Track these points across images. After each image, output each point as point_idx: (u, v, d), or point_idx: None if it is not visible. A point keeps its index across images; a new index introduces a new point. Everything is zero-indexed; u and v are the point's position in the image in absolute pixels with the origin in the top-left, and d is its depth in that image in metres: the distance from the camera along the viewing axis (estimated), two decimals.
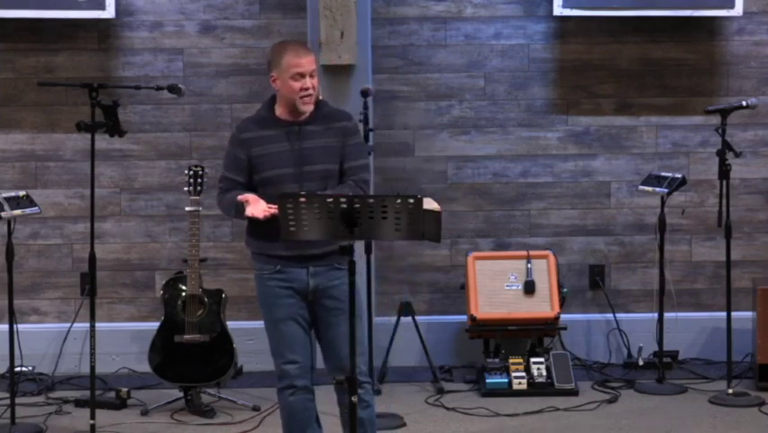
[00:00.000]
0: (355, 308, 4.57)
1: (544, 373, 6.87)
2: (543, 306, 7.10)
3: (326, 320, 4.94)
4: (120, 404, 6.62)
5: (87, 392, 6.09)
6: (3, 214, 6.11)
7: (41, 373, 7.21)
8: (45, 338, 7.33)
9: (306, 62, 4.91)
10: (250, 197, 4.84)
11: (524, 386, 6.81)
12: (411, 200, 4.41)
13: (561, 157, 7.51)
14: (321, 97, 5.09)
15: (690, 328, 7.47)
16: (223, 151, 7.31)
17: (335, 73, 6.96)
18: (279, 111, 4.99)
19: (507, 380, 6.82)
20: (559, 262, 7.26)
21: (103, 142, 6.74)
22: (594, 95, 7.48)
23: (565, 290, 7.19)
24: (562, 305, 7.11)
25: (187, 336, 6.52)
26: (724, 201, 6.60)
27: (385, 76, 7.42)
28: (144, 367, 6.75)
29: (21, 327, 6.75)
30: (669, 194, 6.91)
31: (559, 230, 7.53)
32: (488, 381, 6.82)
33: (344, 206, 4.41)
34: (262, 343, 7.22)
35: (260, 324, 7.33)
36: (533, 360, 6.91)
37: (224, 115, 7.43)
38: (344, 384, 4.64)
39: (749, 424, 6.26)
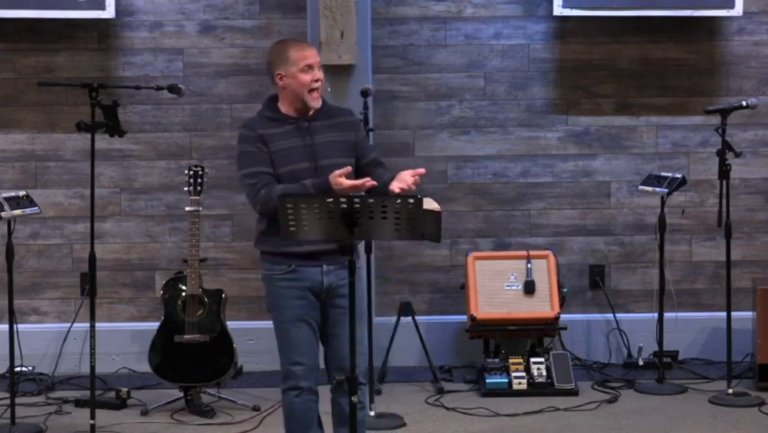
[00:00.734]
0: (355, 307, 4.57)
1: (544, 373, 6.87)
2: (543, 306, 7.10)
3: (335, 319, 4.93)
4: (120, 404, 6.62)
5: (87, 392, 6.09)
6: (3, 214, 6.11)
7: (41, 373, 7.21)
8: (45, 338, 7.33)
9: (312, 54, 4.94)
10: (341, 180, 4.74)
11: (524, 386, 6.81)
12: (411, 200, 4.41)
13: (561, 157, 7.51)
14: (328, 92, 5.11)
15: (690, 328, 7.47)
16: (223, 151, 7.41)
17: (335, 73, 6.95)
18: (285, 109, 4.98)
19: (507, 380, 6.82)
20: (559, 262, 7.26)
21: (103, 142, 6.74)
22: (594, 95, 7.49)
23: (565, 290, 7.19)
24: (562, 305, 7.11)
25: (187, 336, 6.52)
26: (724, 201, 6.60)
27: (385, 76, 7.42)
28: (144, 367, 6.75)
29: (21, 327, 6.75)
30: (669, 194, 6.91)
31: (559, 230, 7.53)
32: (488, 381, 6.82)
33: (344, 206, 4.41)
34: (262, 343, 7.30)
35: (259, 324, 7.40)
36: (533, 360, 6.91)
37: (224, 115, 7.43)
38: (344, 384, 4.64)
39: (749, 424, 6.26)
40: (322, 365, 5.04)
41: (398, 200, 4.43)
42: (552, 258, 7.19)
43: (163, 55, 7.40)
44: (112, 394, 6.71)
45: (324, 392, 5.06)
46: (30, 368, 7.17)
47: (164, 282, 6.72)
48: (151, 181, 7.44)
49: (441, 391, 6.88)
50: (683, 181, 6.94)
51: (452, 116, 7.48)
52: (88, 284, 6.36)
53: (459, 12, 7.44)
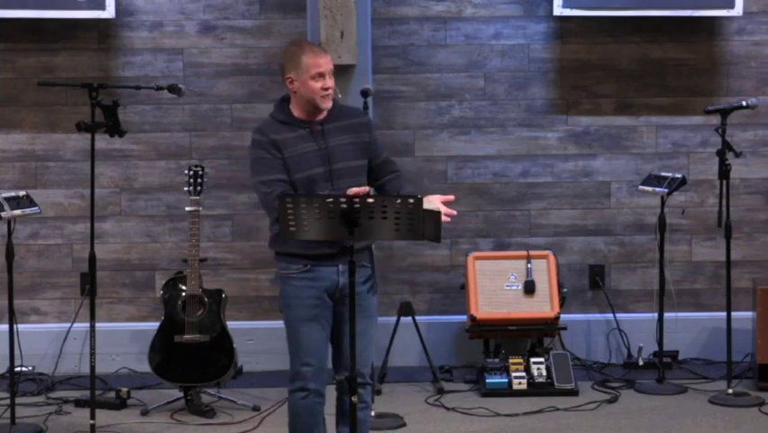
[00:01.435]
0: (355, 307, 4.58)
1: (544, 373, 6.87)
2: (543, 306, 7.10)
3: (347, 317, 4.90)
4: (120, 404, 6.62)
5: (87, 392, 6.09)
6: (3, 214, 6.12)
7: (41, 373, 7.21)
8: (45, 338, 7.33)
9: (325, 62, 4.91)
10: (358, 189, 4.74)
11: (524, 386, 6.81)
12: (411, 200, 4.41)
13: (561, 157, 7.51)
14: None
15: (690, 328, 7.47)
16: (223, 151, 7.42)
17: (335, 73, 6.93)
18: (297, 112, 4.95)
19: (507, 380, 6.82)
20: (559, 262, 7.26)
21: (103, 142, 6.74)
22: (594, 95, 7.49)
23: (565, 290, 7.19)
24: (562, 305, 7.11)
25: (187, 336, 6.52)
26: (724, 201, 6.60)
27: (385, 76, 7.42)
28: (144, 367, 6.75)
29: (21, 327, 6.75)
30: (669, 194, 6.91)
31: (559, 230, 7.53)
32: (488, 381, 6.82)
33: (344, 206, 4.41)
34: (262, 343, 7.30)
35: (259, 324, 7.41)
36: (533, 360, 6.91)
37: (224, 115, 7.43)
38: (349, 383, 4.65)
39: (749, 424, 6.26)
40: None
41: (398, 200, 4.43)
42: (552, 258, 7.19)
43: (163, 55, 7.40)
44: (112, 394, 6.71)
45: (328, 391, 5.05)
46: (30, 368, 7.17)
47: (164, 282, 6.72)
48: (151, 181, 7.44)
49: (441, 391, 6.88)
50: (683, 181, 6.94)
51: (452, 116, 7.48)
52: (88, 284, 6.36)
53: (459, 12, 7.44)
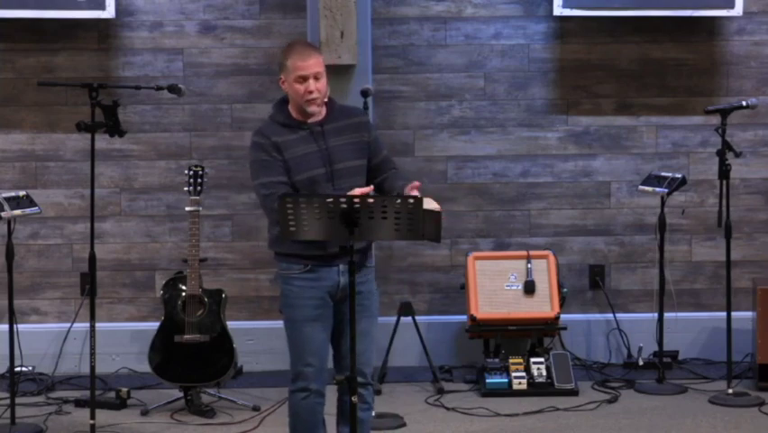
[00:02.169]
0: (355, 307, 4.58)
1: (544, 373, 6.87)
2: (543, 306, 7.10)
3: (348, 318, 4.90)
4: (120, 404, 6.62)
5: (87, 392, 6.09)
6: (3, 214, 6.11)
7: (41, 373, 7.21)
8: (45, 338, 7.33)
9: (310, 65, 4.86)
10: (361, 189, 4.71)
11: (524, 386, 6.81)
12: (411, 200, 4.42)
13: (561, 157, 7.51)
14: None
15: (690, 328, 7.47)
16: (223, 151, 7.42)
17: (335, 73, 6.93)
18: (295, 113, 4.94)
19: (507, 380, 6.82)
20: (559, 262, 7.26)
21: (103, 142, 6.74)
22: (594, 95, 7.49)
23: (565, 290, 7.19)
24: (562, 305, 7.11)
25: (186, 336, 6.52)
26: (724, 201, 6.60)
27: (385, 76, 7.42)
28: (144, 367, 6.75)
29: (21, 327, 6.75)
30: (669, 194, 6.91)
31: (559, 230, 7.53)
32: (488, 381, 6.82)
33: (344, 206, 4.41)
34: (262, 343, 7.30)
35: (259, 324, 7.41)
36: (533, 360, 6.91)
37: (224, 115, 7.43)
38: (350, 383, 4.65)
39: (749, 424, 6.26)
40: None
41: (398, 200, 4.43)
42: (552, 258, 7.19)
43: (163, 55, 7.40)
44: (112, 394, 6.71)
45: (329, 391, 5.05)
46: (30, 368, 7.17)
47: (164, 282, 6.72)
48: (151, 181, 7.44)
49: (441, 391, 6.88)
50: (683, 181, 6.94)
51: (452, 116, 7.48)
52: (88, 284, 6.37)
53: (459, 12, 7.44)
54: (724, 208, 6.61)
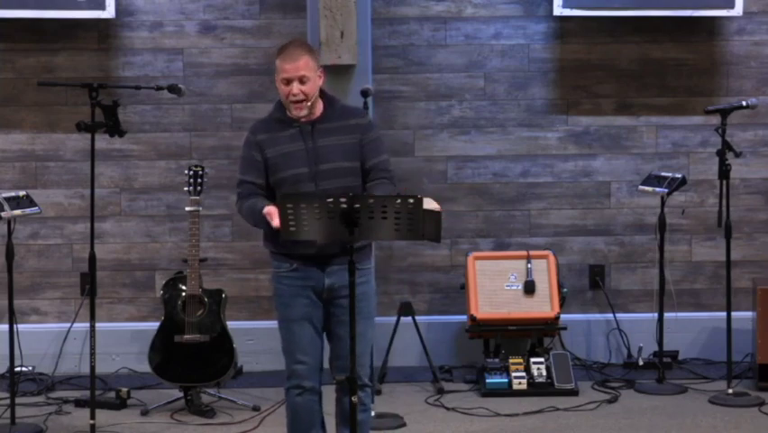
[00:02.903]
0: (355, 306, 4.59)
1: (544, 373, 6.87)
2: (543, 306, 7.10)
3: (338, 319, 4.92)
4: (120, 404, 6.62)
5: (87, 392, 6.09)
6: (3, 214, 6.11)
7: (41, 373, 7.21)
8: (45, 338, 7.33)
9: (292, 68, 4.89)
10: (272, 210, 4.76)
11: (524, 386, 6.81)
12: (411, 200, 4.41)
13: (561, 157, 7.51)
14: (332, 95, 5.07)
15: (690, 328, 7.47)
16: (223, 151, 7.42)
17: (335, 73, 6.95)
18: (289, 111, 4.96)
19: (507, 380, 6.82)
20: (559, 262, 7.26)
21: (103, 142, 6.74)
22: (594, 95, 7.49)
23: (565, 290, 7.19)
24: (562, 305, 7.11)
25: (186, 336, 6.52)
26: (724, 201, 6.60)
27: (385, 76, 7.42)
28: (144, 367, 6.75)
29: (21, 327, 6.75)
30: (669, 194, 6.91)
31: (559, 230, 7.53)
32: (488, 381, 6.82)
33: (344, 206, 4.41)
34: (262, 343, 7.30)
35: (259, 324, 7.41)
36: (533, 360, 6.91)
37: (224, 115, 7.43)
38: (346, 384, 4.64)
39: (749, 424, 6.26)
40: (326, 365, 5.04)
41: (398, 200, 4.43)
42: (552, 258, 7.19)
43: (163, 55, 7.40)
44: (112, 394, 6.71)
45: (329, 392, 5.05)
46: (30, 368, 7.17)
47: (164, 282, 6.72)
48: (151, 181, 7.44)
49: (441, 391, 6.88)
50: (683, 181, 6.94)
51: (452, 116, 7.48)
52: (88, 284, 6.36)
53: (459, 12, 7.44)
54: (724, 208, 6.61)
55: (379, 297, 7.20)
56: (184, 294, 6.56)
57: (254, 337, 7.31)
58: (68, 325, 7.33)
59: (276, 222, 4.69)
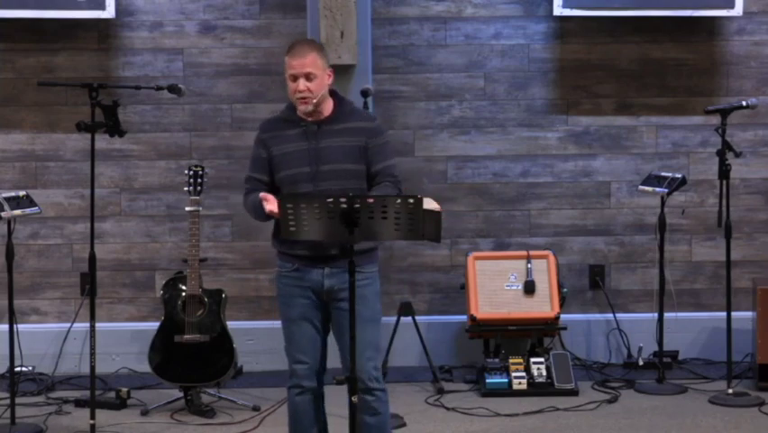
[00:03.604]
0: (355, 307, 4.60)
1: (544, 373, 6.87)
2: (543, 306, 7.10)
3: (340, 322, 4.92)
4: (120, 404, 6.62)
5: (87, 392, 6.09)
6: (3, 214, 6.11)
7: (41, 373, 7.21)
8: (45, 338, 7.33)
9: (298, 65, 4.88)
10: (269, 195, 4.81)
11: (524, 386, 6.81)
12: (411, 200, 4.41)
13: (561, 157, 7.51)
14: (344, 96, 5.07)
15: (690, 328, 7.48)
16: (223, 151, 7.43)
17: (336, 73, 6.91)
18: (298, 110, 4.97)
19: (507, 380, 6.82)
20: (559, 262, 7.26)
21: (103, 142, 6.74)
22: (594, 95, 7.49)
23: (565, 290, 7.19)
24: (562, 305, 7.11)
25: (186, 336, 6.52)
26: (724, 201, 6.60)
27: (385, 76, 7.42)
28: (144, 367, 6.75)
29: (21, 327, 6.75)
30: (669, 194, 6.91)
31: (559, 230, 7.53)
32: (488, 381, 6.82)
33: (344, 206, 4.41)
34: (262, 343, 7.31)
35: (259, 324, 7.42)
36: (533, 360, 6.91)
37: (224, 115, 7.43)
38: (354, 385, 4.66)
39: (749, 424, 6.26)
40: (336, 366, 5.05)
41: (398, 200, 4.43)
42: (552, 258, 7.19)
43: (163, 55, 7.40)
44: (112, 394, 6.71)
45: (334, 392, 5.05)
46: (30, 368, 7.17)
47: (164, 282, 6.72)
48: (151, 181, 7.44)
49: (441, 391, 6.88)
50: (683, 181, 6.94)
51: (452, 116, 7.48)
52: (88, 284, 6.36)
53: (459, 12, 7.44)
54: (724, 208, 6.61)
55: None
56: (184, 294, 6.56)
57: (254, 337, 7.31)
58: (68, 325, 7.33)
59: (269, 206, 4.74)
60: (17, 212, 6.19)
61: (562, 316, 7.09)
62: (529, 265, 7.16)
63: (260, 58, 7.39)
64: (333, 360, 5.05)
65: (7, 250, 6.18)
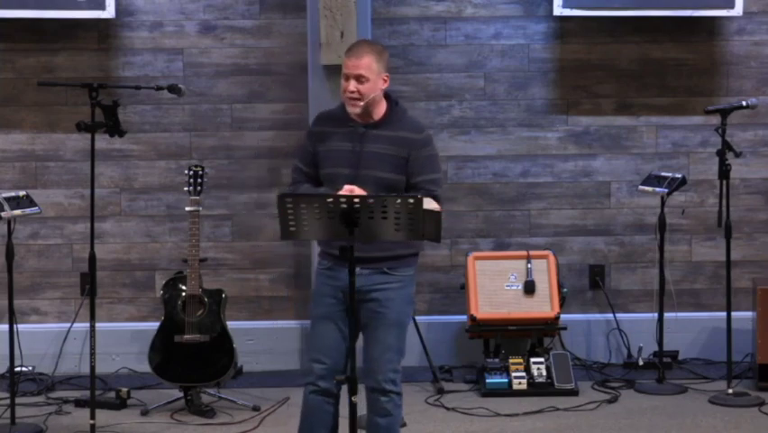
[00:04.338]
0: (355, 306, 4.61)
1: (544, 373, 6.87)
2: (543, 306, 7.10)
3: (364, 323, 4.90)
4: (120, 404, 6.62)
5: (87, 392, 6.08)
6: (3, 214, 6.11)
7: (41, 373, 7.21)
8: (45, 338, 7.32)
9: (352, 65, 4.85)
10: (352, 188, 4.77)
11: (524, 386, 6.81)
12: (411, 200, 4.42)
13: (561, 157, 7.51)
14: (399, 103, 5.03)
15: (690, 328, 7.47)
16: (223, 151, 7.45)
17: (335, 73, 6.91)
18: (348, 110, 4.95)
19: (507, 380, 6.82)
20: (559, 262, 7.26)
21: (103, 142, 6.74)
22: (594, 95, 7.49)
23: (565, 290, 7.19)
24: (562, 305, 7.11)
25: (186, 336, 6.52)
26: (724, 201, 6.60)
27: None
28: (144, 367, 6.75)
29: (21, 327, 6.75)
30: (669, 194, 6.91)
31: (559, 230, 7.53)
32: (488, 381, 6.82)
33: (344, 206, 4.41)
34: (262, 343, 7.31)
35: (259, 324, 7.44)
36: (533, 360, 6.91)
37: (224, 115, 7.43)
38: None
39: (749, 424, 6.26)
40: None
41: (398, 200, 4.43)
42: (552, 258, 7.19)
43: (163, 55, 7.40)
44: (112, 394, 6.71)
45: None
46: (30, 368, 7.16)
47: (164, 282, 6.72)
48: (151, 181, 7.44)
49: (441, 391, 6.88)
50: (683, 181, 6.94)
51: (452, 116, 7.48)
52: (88, 284, 6.36)
53: (459, 12, 7.44)
54: (724, 208, 6.61)
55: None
56: (184, 294, 6.56)
57: (254, 337, 7.31)
58: (68, 325, 7.33)
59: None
60: (17, 212, 6.19)
61: (562, 316, 7.09)
62: (529, 265, 7.16)
63: (260, 58, 7.39)
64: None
65: (7, 250, 6.18)
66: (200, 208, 6.60)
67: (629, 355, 7.39)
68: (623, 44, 7.46)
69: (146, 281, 7.46)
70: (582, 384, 6.92)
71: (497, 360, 6.95)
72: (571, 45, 7.46)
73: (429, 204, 4.54)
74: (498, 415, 6.45)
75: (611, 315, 7.48)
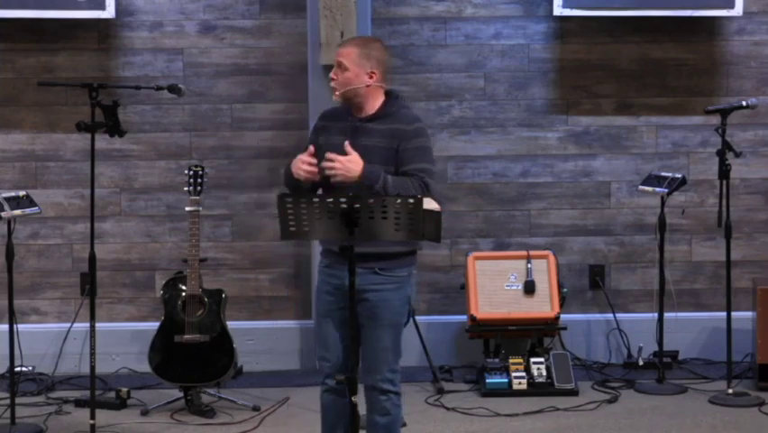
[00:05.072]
0: (354, 307, 4.62)
1: (544, 373, 6.87)
2: (543, 306, 7.10)
3: (360, 323, 4.90)
4: (120, 404, 6.62)
5: (87, 392, 6.09)
6: (3, 214, 6.11)
7: (41, 373, 7.21)
8: (45, 338, 7.33)
9: (337, 52, 4.96)
10: (303, 156, 4.84)
11: (524, 386, 6.81)
12: (411, 200, 4.41)
13: (561, 157, 7.51)
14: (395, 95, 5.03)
15: (690, 328, 7.48)
16: (223, 150, 7.45)
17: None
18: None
19: (507, 380, 6.82)
20: (559, 262, 7.26)
21: (103, 142, 6.74)
22: (594, 95, 7.49)
23: (565, 290, 7.19)
24: (562, 305, 7.11)
25: (186, 336, 6.52)
26: (724, 201, 6.60)
27: None
28: (144, 367, 6.75)
29: (21, 327, 6.75)
30: (669, 194, 6.91)
31: (559, 230, 7.53)
32: (488, 381, 6.82)
33: (344, 206, 4.41)
34: (262, 343, 7.31)
35: (259, 324, 7.43)
36: (533, 360, 6.91)
37: (224, 115, 7.43)
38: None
39: (749, 424, 6.26)
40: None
41: (398, 200, 4.43)
42: (552, 258, 7.19)
43: (163, 55, 7.40)
44: (112, 394, 6.71)
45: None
46: (30, 368, 7.17)
47: (164, 282, 6.71)
48: (151, 181, 7.44)
49: (441, 391, 6.88)
50: (683, 181, 6.94)
51: (452, 116, 7.48)
52: (88, 284, 6.36)
53: (459, 12, 7.44)
54: (724, 208, 6.61)
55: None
56: (184, 294, 6.56)
57: (254, 337, 7.31)
58: (68, 325, 7.33)
59: (293, 167, 4.82)
60: (17, 212, 6.19)
61: (562, 316, 7.09)
62: (529, 265, 7.16)
63: (260, 58, 7.39)
64: None
65: (7, 250, 6.18)
66: (200, 208, 6.60)
67: (629, 355, 7.39)
68: (623, 44, 7.46)
69: (146, 281, 7.46)
70: (582, 384, 6.92)
71: (497, 360, 6.95)
72: (571, 45, 7.46)
73: (429, 204, 4.54)
74: (498, 415, 6.45)
75: (611, 315, 7.48)
